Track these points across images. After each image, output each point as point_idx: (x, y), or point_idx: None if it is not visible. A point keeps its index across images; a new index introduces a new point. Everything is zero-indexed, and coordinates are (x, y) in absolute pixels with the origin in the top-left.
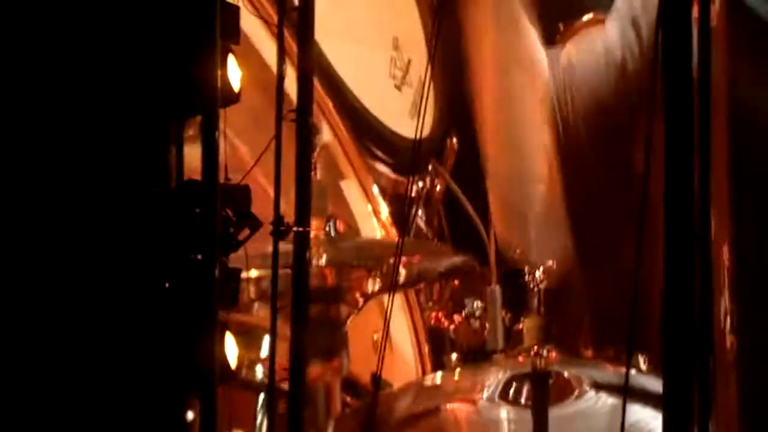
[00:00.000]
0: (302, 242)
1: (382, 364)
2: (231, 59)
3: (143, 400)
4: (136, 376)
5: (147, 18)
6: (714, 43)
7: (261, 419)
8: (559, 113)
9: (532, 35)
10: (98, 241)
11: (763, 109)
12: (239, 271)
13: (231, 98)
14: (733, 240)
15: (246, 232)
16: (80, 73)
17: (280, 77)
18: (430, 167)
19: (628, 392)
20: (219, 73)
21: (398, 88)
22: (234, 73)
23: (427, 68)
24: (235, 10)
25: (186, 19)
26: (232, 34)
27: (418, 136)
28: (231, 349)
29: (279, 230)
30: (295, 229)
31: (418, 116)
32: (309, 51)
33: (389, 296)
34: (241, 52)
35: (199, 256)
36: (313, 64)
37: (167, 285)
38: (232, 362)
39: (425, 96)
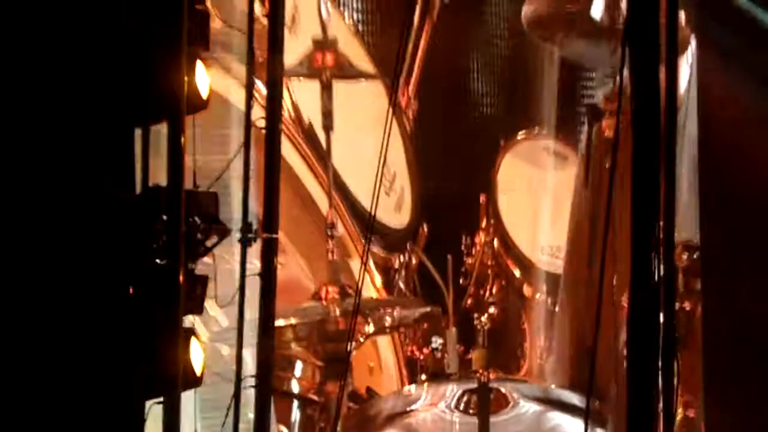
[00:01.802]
0: (270, 249)
1: (345, 380)
2: (199, 65)
3: (105, 405)
4: (98, 380)
5: (114, 23)
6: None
7: (294, 419)
8: None
9: None
10: (62, 246)
11: (727, 113)
12: (206, 278)
13: (198, 105)
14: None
15: (214, 238)
16: (45, 78)
17: (250, 84)
18: (408, 247)
19: (549, 402)
20: (186, 79)
21: (387, 193)
22: (202, 79)
23: (392, 92)
24: (204, 16)
25: (153, 25)
26: (200, 40)
27: (378, 176)
28: (196, 355)
29: (247, 237)
30: (264, 236)
31: (380, 154)
32: (278, 57)
33: (352, 317)
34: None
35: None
36: (281, 71)
37: (131, 290)
38: (198, 368)
39: (389, 121)
